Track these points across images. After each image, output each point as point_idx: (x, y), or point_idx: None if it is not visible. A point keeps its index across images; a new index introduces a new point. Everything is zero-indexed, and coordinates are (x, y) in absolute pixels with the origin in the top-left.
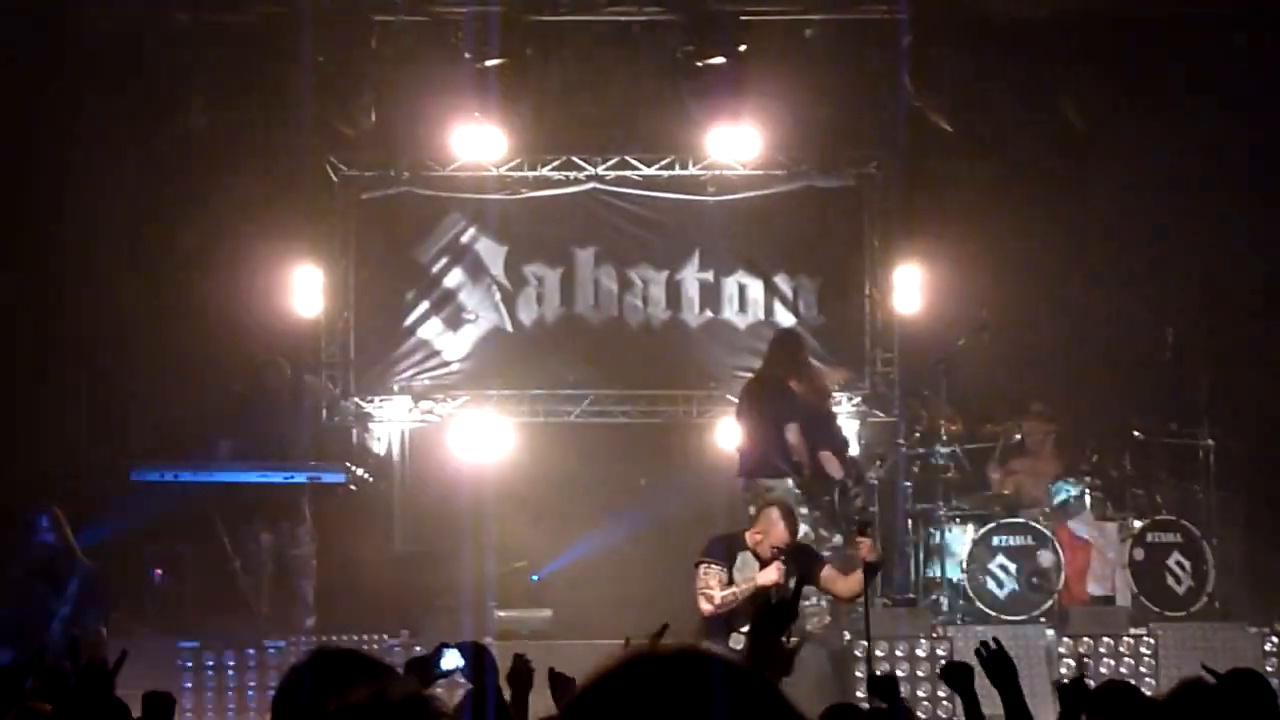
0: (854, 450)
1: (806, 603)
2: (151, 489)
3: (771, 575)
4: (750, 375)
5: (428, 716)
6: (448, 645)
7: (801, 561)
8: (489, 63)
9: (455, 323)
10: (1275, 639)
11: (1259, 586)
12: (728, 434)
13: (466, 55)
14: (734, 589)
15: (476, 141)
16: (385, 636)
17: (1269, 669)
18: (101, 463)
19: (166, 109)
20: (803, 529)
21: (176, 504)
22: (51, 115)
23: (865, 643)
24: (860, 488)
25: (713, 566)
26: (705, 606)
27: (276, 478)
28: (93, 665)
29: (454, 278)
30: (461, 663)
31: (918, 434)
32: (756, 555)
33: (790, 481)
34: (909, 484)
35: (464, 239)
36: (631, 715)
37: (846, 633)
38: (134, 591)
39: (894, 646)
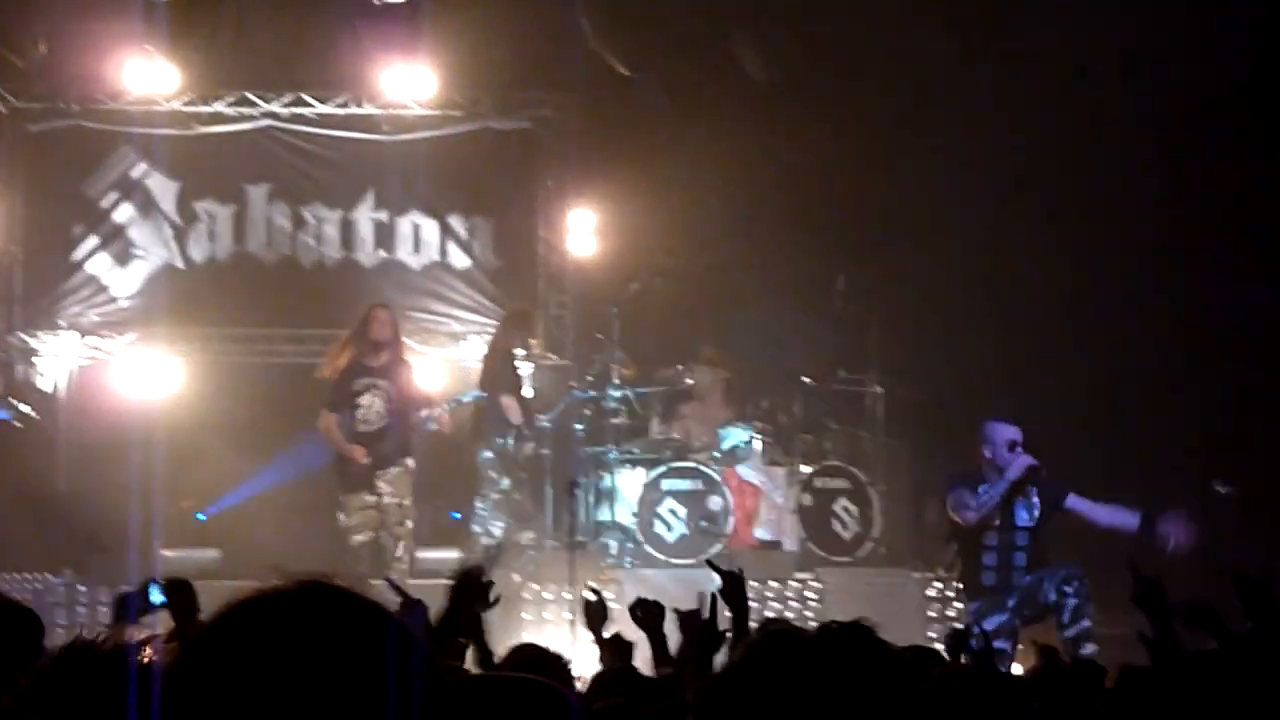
0: (527, 393)
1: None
2: None
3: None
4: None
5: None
6: (155, 581)
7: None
8: None
9: (125, 259)
10: (939, 584)
11: (923, 533)
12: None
13: None
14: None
15: (148, 75)
16: (48, 575)
17: (931, 614)
18: None
19: None
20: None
21: None
22: None
23: (535, 585)
24: (533, 432)
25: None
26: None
27: None
28: None
29: (124, 213)
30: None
31: (590, 378)
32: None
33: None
34: (580, 427)
35: (135, 174)
36: (251, 652)
37: (516, 575)
38: None
39: (561, 589)
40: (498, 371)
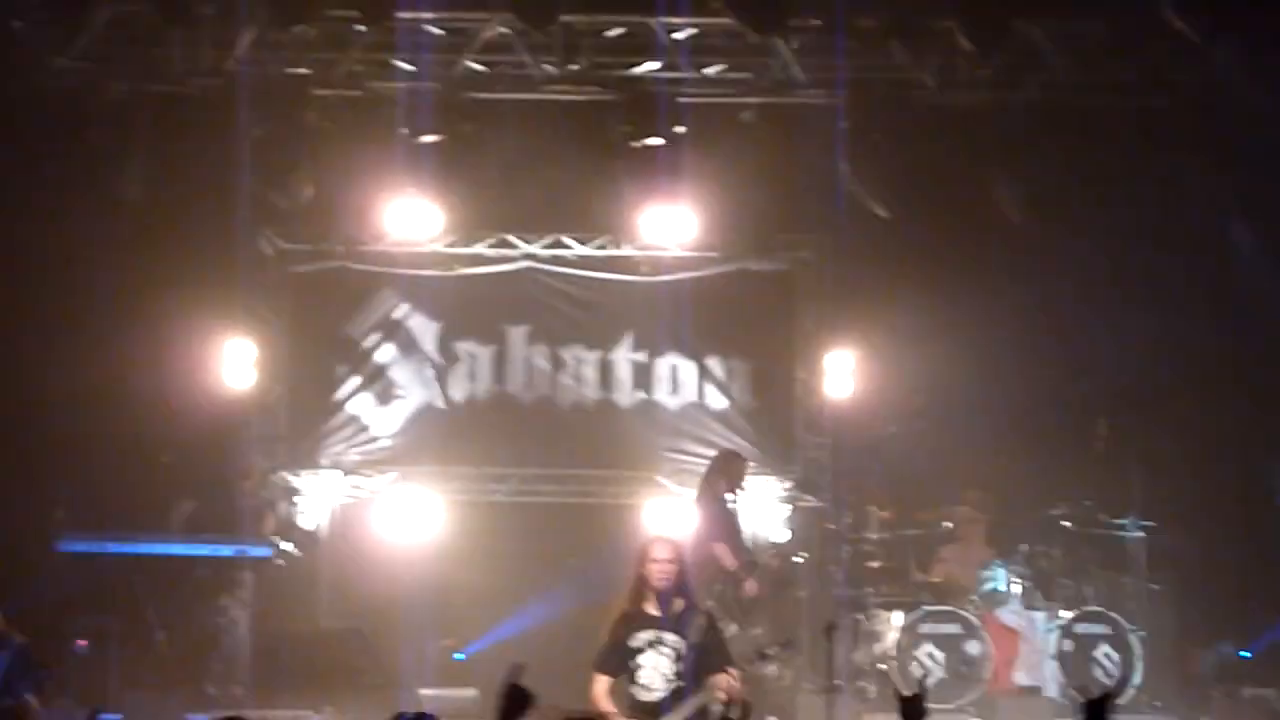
0: (781, 534)
1: None
2: (77, 560)
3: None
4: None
5: None
6: (405, 715)
7: None
8: (425, 139)
9: (386, 398)
10: None
11: (1187, 680)
12: (655, 514)
13: (403, 131)
14: None
15: (411, 218)
16: (310, 712)
17: None
18: (26, 535)
19: (102, 178)
20: None
21: (102, 575)
22: None
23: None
24: (759, 573)
25: None
26: None
27: (203, 550)
28: None
29: (386, 353)
30: None
31: (848, 520)
32: None
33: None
34: (838, 569)
35: (397, 315)
36: None
37: (772, 717)
38: (57, 662)
39: None
40: (709, 518)
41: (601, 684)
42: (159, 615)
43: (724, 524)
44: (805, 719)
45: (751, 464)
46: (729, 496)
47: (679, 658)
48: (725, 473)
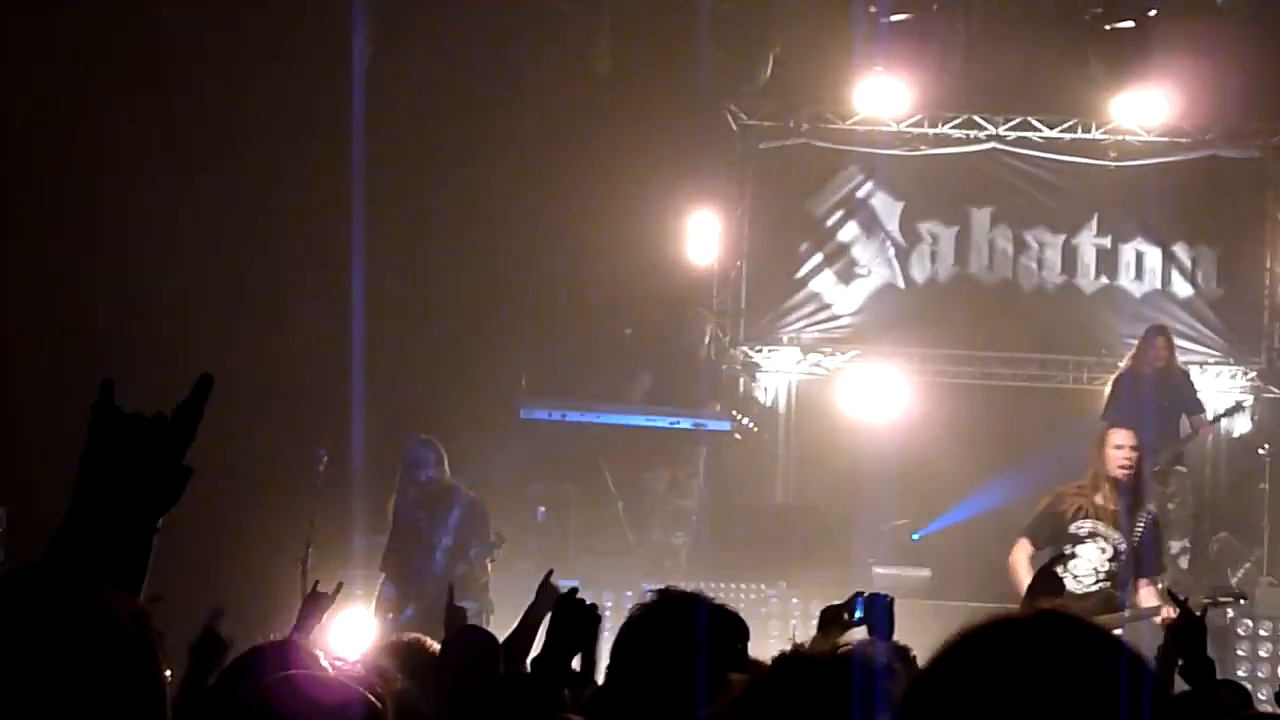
0: (1243, 426)
1: None
2: (539, 427)
3: None
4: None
5: None
6: (860, 596)
7: None
8: (893, 17)
9: (847, 276)
10: None
11: None
12: None
13: (871, 9)
14: None
15: (878, 96)
16: (762, 586)
17: None
18: (491, 401)
19: (573, 52)
20: None
21: (562, 443)
22: (458, 58)
23: (1249, 621)
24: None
25: None
26: None
27: (662, 422)
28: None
29: (848, 231)
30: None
31: None
32: None
33: None
34: None
35: (860, 193)
36: (987, 681)
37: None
38: (517, 528)
39: (1277, 625)
40: (1124, 398)
41: (1025, 549)
42: (617, 484)
43: (1141, 405)
44: (1263, 609)
45: (1213, 353)
46: (1147, 373)
47: (1116, 555)
48: (1148, 350)
